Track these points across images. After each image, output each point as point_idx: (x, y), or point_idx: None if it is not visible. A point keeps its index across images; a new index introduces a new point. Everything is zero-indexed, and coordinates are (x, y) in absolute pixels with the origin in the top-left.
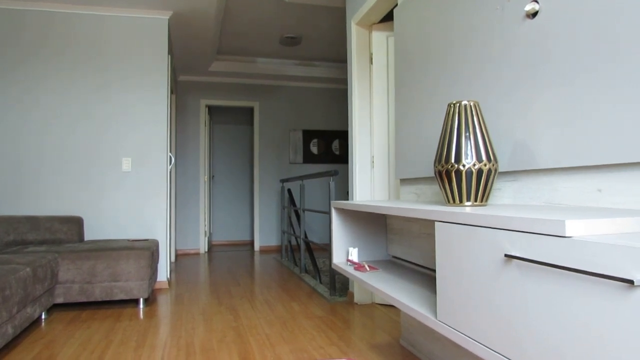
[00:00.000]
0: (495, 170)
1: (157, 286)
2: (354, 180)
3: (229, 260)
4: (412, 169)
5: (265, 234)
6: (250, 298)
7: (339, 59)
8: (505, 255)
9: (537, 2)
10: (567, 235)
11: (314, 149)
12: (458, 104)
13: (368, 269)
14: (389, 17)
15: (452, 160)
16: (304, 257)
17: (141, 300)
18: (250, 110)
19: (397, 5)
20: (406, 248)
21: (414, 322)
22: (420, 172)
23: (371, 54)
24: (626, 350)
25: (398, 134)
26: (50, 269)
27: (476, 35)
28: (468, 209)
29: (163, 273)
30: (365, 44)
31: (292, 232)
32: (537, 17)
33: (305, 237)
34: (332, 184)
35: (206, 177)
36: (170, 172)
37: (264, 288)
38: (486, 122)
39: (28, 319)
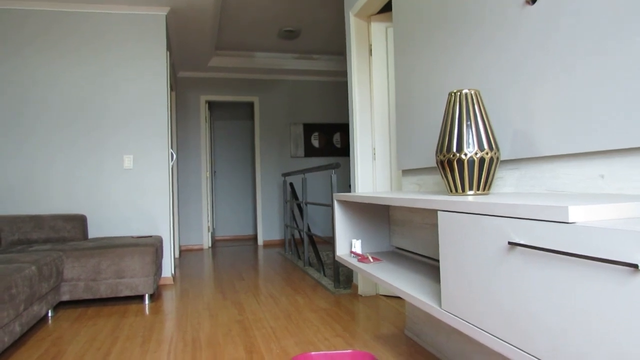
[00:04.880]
0: (497, 158)
1: (161, 282)
2: (356, 173)
3: (232, 255)
4: (414, 159)
5: (268, 228)
6: (254, 292)
7: (338, 51)
8: (509, 243)
9: None
10: (570, 221)
11: (315, 143)
12: (459, 93)
13: (371, 260)
14: (387, 8)
15: (454, 150)
16: (308, 250)
17: (146, 296)
18: (251, 105)
19: None
20: (409, 239)
21: (418, 313)
22: (422, 163)
23: (370, 46)
24: (630, 334)
25: (399, 125)
26: (56, 267)
27: (476, 23)
28: (470, 198)
29: (167, 269)
30: (364, 36)
31: (295, 225)
32: (536, 4)
33: (308, 230)
34: (333, 177)
35: (208, 172)
36: (172, 168)
37: (268, 282)
38: (487, 110)
39: (35, 317)
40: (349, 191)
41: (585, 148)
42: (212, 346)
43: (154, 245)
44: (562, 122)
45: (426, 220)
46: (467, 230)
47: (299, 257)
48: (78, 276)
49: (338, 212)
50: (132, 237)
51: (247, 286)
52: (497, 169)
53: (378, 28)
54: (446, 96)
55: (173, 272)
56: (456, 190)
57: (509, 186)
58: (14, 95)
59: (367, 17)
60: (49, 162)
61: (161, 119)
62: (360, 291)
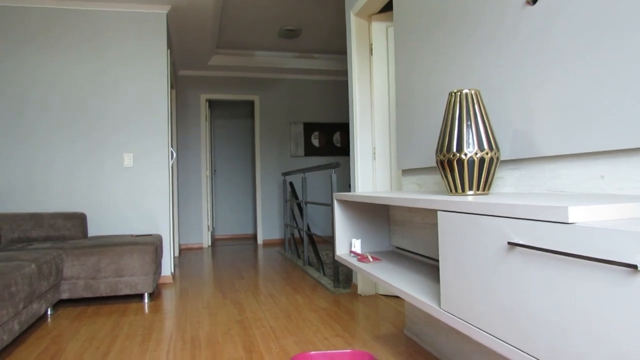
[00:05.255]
0: (497, 158)
1: (161, 281)
2: (356, 172)
3: (232, 254)
4: (414, 159)
5: (268, 227)
6: (254, 291)
7: (339, 50)
8: (509, 243)
9: None
10: (570, 221)
11: (315, 142)
12: (459, 93)
13: (371, 260)
14: (388, 7)
15: (454, 150)
16: (307, 249)
17: (146, 294)
18: (251, 103)
19: None
20: (409, 238)
21: (418, 313)
22: (422, 163)
23: (371, 45)
24: (630, 334)
25: (399, 124)
26: (55, 265)
27: (477, 23)
28: (470, 198)
29: (167, 268)
30: (364, 35)
31: (294, 225)
32: (537, 4)
33: (308, 229)
34: (333, 176)
35: (208, 171)
36: (172, 167)
37: (267, 281)
38: (487, 110)
39: (34, 315)
40: (349, 191)
41: (585, 148)
42: (212, 345)
43: (153, 244)
44: (562, 122)
45: (426, 220)
46: (467, 231)
47: (299, 257)
48: (78, 274)
49: (338, 212)
50: (132, 235)
51: (247, 285)
52: (497, 169)
53: (379, 27)
54: (446, 96)
55: (173, 270)
56: (456, 190)
57: (509, 186)
58: (14, 94)
59: (368, 16)
60: (49, 161)
61: (161, 117)
62: (359, 291)
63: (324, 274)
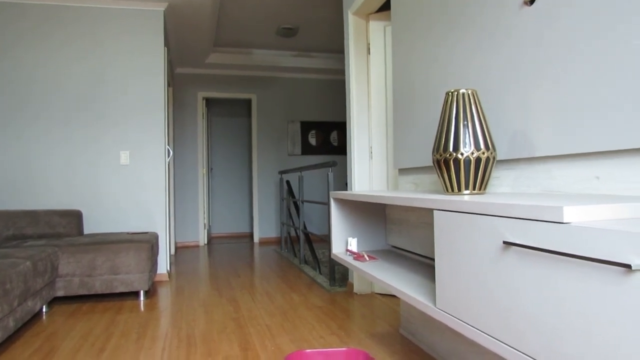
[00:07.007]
0: (494, 158)
1: (157, 278)
2: (353, 171)
3: (228, 252)
4: (411, 158)
5: (265, 225)
6: (250, 289)
7: (336, 49)
8: (504, 243)
9: None
10: (565, 221)
11: (312, 141)
12: (456, 93)
13: (367, 258)
14: (386, 7)
15: (451, 149)
16: (304, 248)
17: (141, 292)
18: (248, 102)
19: None
20: (405, 237)
21: (413, 311)
22: (419, 162)
23: (368, 44)
24: (623, 333)
25: (396, 123)
26: (50, 263)
27: (474, 22)
28: (466, 198)
29: (163, 265)
30: (362, 34)
31: (291, 223)
32: (534, 4)
33: (305, 228)
34: (330, 175)
35: (204, 169)
36: (168, 165)
37: (263, 279)
38: (484, 109)
39: (29, 313)
40: (346, 189)
41: (581, 149)
42: (207, 343)
43: (149, 242)
44: (558, 123)
45: (422, 219)
46: (463, 230)
47: (295, 255)
48: (73, 272)
49: (334, 210)
50: (128, 233)
51: (243, 283)
52: (493, 168)
53: (376, 27)
54: (443, 95)
55: (169, 268)
56: (452, 190)
57: (505, 186)
58: (11, 91)
59: (366, 15)
60: (46, 158)
61: (158, 115)
62: (355, 289)
63: (320, 273)
